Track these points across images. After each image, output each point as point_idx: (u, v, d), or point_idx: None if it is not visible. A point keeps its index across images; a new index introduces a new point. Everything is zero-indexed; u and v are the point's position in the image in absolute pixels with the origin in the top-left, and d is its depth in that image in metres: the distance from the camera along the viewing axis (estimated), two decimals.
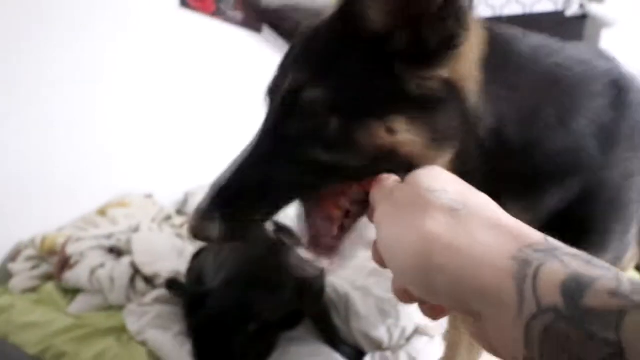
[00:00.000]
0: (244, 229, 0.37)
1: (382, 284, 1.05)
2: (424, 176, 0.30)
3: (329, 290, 0.99)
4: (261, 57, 2.62)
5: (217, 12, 2.22)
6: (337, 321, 0.98)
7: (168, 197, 1.93)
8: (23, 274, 1.21)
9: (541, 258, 0.22)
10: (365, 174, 0.36)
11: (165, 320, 1.02)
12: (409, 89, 0.35)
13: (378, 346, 0.93)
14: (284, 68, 0.42)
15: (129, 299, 1.10)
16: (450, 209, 0.26)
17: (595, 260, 0.22)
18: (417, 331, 0.96)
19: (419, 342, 0.93)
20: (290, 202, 0.38)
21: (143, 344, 0.96)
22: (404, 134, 0.35)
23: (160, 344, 0.93)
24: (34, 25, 1.40)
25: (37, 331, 0.99)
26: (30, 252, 1.30)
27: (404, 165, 0.35)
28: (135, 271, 1.16)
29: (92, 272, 1.15)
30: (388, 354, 0.89)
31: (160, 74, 1.90)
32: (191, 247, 1.32)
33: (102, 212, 1.55)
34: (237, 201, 0.37)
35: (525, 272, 0.21)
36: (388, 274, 0.30)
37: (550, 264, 0.21)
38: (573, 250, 0.23)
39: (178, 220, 1.67)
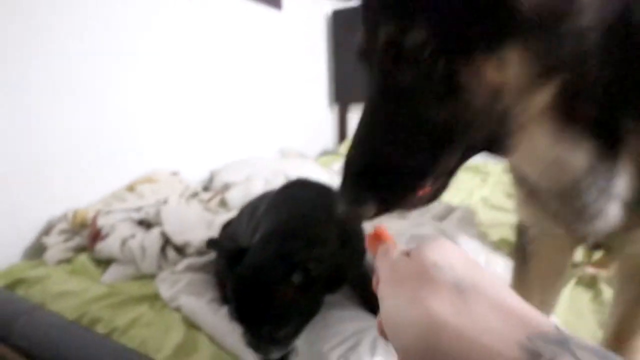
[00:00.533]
0: (400, 199, 0.36)
1: None
2: (430, 250, 0.29)
3: (369, 256, 0.94)
4: (284, 34, 2.62)
5: None
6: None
7: (193, 175, 1.93)
8: (57, 247, 1.22)
9: (553, 351, 0.21)
10: (474, 138, 0.34)
11: (198, 287, 1.00)
12: (519, 8, 0.30)
13: None
14: (370, 22, 0.37)
15: (160, 268, 1.09)
16: (456, 288, 0.25)
17: (612, 356, 0.20)
18: None
19: None
20: (437, 159, 0.35)
21: (177, 310, 0.94)
22: (515, 67, 0.31)
23: (194, 309, 0.91)
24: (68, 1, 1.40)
25: (73, 299, 0.98)
26: (62, 226, 1.30)
27: (508, 120, 0.32)
28: (166, 241, 1.15)
29: (123, 242, 1.14)
30: None
31: (186, 53, 1.89)
32: (220, 219, 1.30)
33: (130, 188, 1.55)
34: (381, 174, 0.35)
35: None
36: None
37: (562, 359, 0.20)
38: (586, 343, 0.21)
39: (205, 196, 1.65)
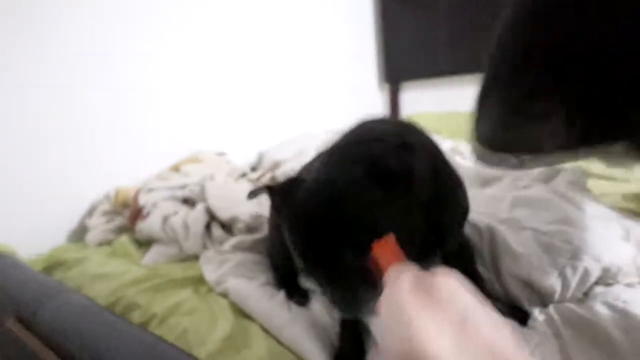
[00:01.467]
0: None
1: (538, 215, 0.74)
2: (445, 277, 0.29)
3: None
4: (329, 7, 2.43)
5: None
6: (480, 268, 0.69)
7: (241, 157, 1.79)
8: (98, 228, 1.11)
9: None
10: None
11: (249, 268, 0.83)
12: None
13: (547, 297, 0.63)
14: None
15: (205, 248, 0.93)
16: (464, 321, 0.25)
17: None
18: (609, 275, 0.64)
19: (620, 289, 0.61)
20: None
21: (224, 295, 0.77)
22: None
23: (244, 294, 0.73)
24: None
25: (109, 282, 0.85)
26: (105, 207, 1.20)
27: None
28: (211, 218, 0.99)
29: (165, 220, 1.00)
30: (570, 307, 0.59)
31: (232, 30, 1.78)
32: None
33: (175, 169, 1.42)
34: None
35: None
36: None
37: None
38: None
39: (254, 175, 1.49)
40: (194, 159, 1.50)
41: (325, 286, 0.45)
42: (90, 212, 1.25)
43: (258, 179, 1.45)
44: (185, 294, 0.79)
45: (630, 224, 0.77)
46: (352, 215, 0.43)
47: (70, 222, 1.27)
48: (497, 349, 0.23)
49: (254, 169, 1.67)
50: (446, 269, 0.30)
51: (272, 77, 1.98)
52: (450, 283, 0.28)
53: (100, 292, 0.82)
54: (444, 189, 0.57)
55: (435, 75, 2.41)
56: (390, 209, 0.45)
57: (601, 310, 0.56)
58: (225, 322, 0.69)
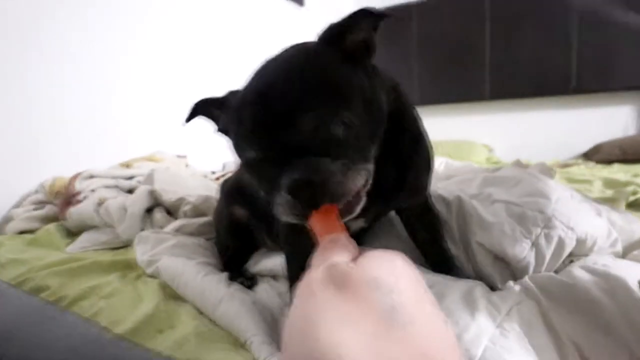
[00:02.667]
0: None
1: (509, 191, 0.68)
2: (377, 262, 0.24)
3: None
4: (306, 32, 2.46)
5: None
6: (448, 243, 0.62)
7: (203, 166, 1.69)
8: (22, 216, 0.96)
9: None
10: None
11: (188, 250, 0.71)
12: None
13: (520, 271, 0.56)
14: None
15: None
16: (388, 317, 0.20)
17: None
18: (584, 248, 0.58)
19: (597, 257, 0.55)
20: None
21: (155, 276, 0.66)
22: None
23: (177, 271, 0.61)
24: None
25: (21, 267, 0.72)
26: (37, 197, 1.06)
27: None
28: (156, 204, 0.88)
29: (100, 203, 0.88)
30: (546, 274, 0.51)
31: (205, 43, 1.76)
32: None
33: (126, 165, 1.31)
34: None
35: None
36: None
37: None
38: None
39: (213, 176, 1.40)
40: (150, 158, 1.39)
41: (278, 172, 0.36)
42: (20, 203, 1.10)
43: (218, 178, 1.35)
44: (107, 278, 0.67)
45: (601, 206, 0.73)
46: (313, 79, 0.36)
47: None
48: (428, 354, 0.19)
49: (214, 172, 1.57)
50: (382, 251, 0.25)
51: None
52: (380, 269, 0.23)
53: (8, 277, 0.68)
54: (411, 127, 0.51)
55: None
56: (353, 80, 0.38)
57: (580, 274, 0.49)
58: (149, 303, 0.57)
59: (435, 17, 2.54)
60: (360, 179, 0.36)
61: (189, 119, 0.48)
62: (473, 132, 2.49)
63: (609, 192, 1.08)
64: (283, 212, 0.35)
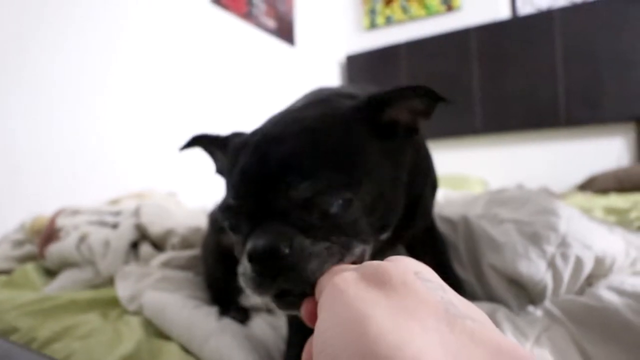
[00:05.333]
0: None
1: (517, 210, 0.65)
2: (405, 260, 0.21)
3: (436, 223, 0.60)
4: (297, 70, 2.54)
5: (249, 15, 2.12)
6: (456, 267, 0.57)
7: (195, 202, 1.64)
8: None
9: None
10: None
11: (174, 284, 0.66)
12: None
13: (537, 295, 0.51)
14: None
15: None
16: (446, 315, 0.17)
17: None
18: (603, 267, 0.53)
19: (622, 276, 0.50)
20: None
21: (137, 313, 0.60)
22: None
23: (161, 305, 0.56)
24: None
25: None
26: (17, 236, 1.00)
27: None
28: (142, 237, 0.83)
29: (82, 239, 0.82)
30: (569, 297, 0.47)
31: (197, 77, 1.78)
32: None
33: (114, 202, 1.26)
34: None
35: None
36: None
37: None
38: None
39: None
40: (139, 195, 1.35)
41: (249, 231, 0.31)
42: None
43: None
44: (85, 318, 0.60)
45: (610, 225, 0.70)
46: (324, 146, 0.32)
47: None
48: (502, 347, 0.16)
49: (205, 211, 1.52)
50: (405, 257, 0.22)
51: (233, 124, 1.94)
52: (417, 265, 0.21)
53: None
54: (420, 152, 0.48)
55: None
56: (373, 160, 0.34)
57: (608, 296, 0.45)
58: (129, 343, 0.51)
59: (423, 55, 2.63)
60: (349, 257, 0.31)
61: (184, 148, 0.45)
62: (466, 166, 2.49)
63: (611, 219, 1.06)
64: (245, 283, 0.30)
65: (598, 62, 2.16)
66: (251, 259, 0.28)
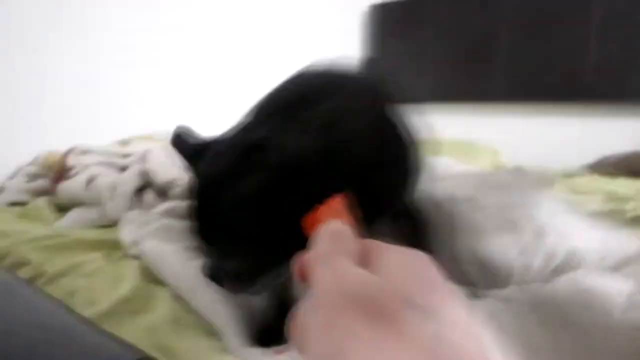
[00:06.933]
0: None
1: (498, 196, 0.67)
2: (401, 271, 0.18)
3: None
4: (318, 40, 2.41)
5: None
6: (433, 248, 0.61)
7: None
8: (12, 188, 0.96)
9: None
10: None
11: (174, 233, 0.71)
12: None
13: (505, 278, 0.54)
14: None
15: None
16: (433, 353, 0.15)
17: None
18: (573, 261, 0.56)
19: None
20: None
21: (137, 257, 0.65)
22: None
23: (160, 254, 0.61)
24: None
25: (5, 240, 0.71)
26: (31, 169, 1.06)
27: None
28: (147, 184, 0.88)
29: (91, 180, 0.87)
30: (533, 285, 0.50)
31: (211, 37, 1.73)
32: None
33: (124, 143, 1.30)
34: None
35: None
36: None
37: None
38: None
39: None
40: (148, 137, 1.38)
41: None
42: (14, 175, 1.10)
43: None
44: (90, 257, 0.66)
45: (595, 221, 0.71)
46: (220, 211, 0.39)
47: None
48: None
49: None
50: (403, 250, 0.19)
51: (251, 77, 1.90)
52: (413, 279, 0.18)
53: None
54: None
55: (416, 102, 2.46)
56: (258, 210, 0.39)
57: (564, 287, 0.48)
58: (127, 285, 0.56)
59: (451, 10, 2.48)
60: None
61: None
62: (479, 134, 2.44)
63: (608, 206, 1.06)
64: None
65: (634, 37, 2.02)
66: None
